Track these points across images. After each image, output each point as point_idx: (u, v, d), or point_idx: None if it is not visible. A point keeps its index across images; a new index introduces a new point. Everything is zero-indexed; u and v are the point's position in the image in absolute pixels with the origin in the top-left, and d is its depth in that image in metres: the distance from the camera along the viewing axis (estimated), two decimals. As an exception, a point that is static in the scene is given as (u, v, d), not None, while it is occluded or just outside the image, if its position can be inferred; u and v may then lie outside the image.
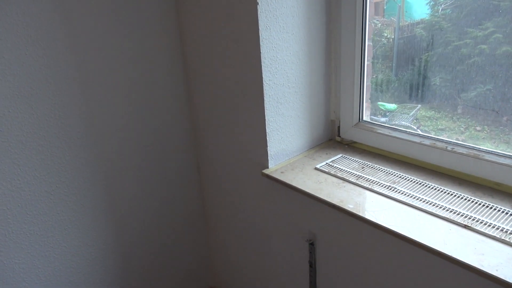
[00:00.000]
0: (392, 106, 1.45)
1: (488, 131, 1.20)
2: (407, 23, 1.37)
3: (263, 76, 1.25)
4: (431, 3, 1.29)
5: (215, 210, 1.80)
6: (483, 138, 1.21)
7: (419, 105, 1.38)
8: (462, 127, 1.27)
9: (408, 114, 1.42)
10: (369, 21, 1.32)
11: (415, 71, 1.35)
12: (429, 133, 1.32)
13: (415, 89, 1.36)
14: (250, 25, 1.20)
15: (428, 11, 1.31)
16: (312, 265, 1.35)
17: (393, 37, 1.42)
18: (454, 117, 1.29)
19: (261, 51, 1.22)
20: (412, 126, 1.39)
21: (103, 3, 1.33)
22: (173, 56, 1.56)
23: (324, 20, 1.37)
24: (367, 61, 1.37)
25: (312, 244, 1.32)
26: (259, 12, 1.18)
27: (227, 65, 1.37)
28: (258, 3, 1.17)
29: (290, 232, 1.42)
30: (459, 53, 1.21)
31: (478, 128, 1.23)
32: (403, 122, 1.41)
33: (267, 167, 1.36)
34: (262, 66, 1.23)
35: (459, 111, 1.27)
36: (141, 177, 1.60)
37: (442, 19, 1.26)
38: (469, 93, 1.22)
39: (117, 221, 1.56)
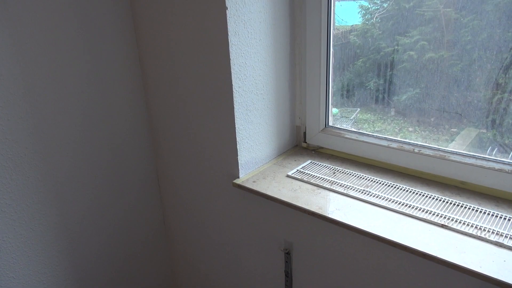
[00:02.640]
0: (334, 110, 1.48)
1: (419, 131, 1.28)
2: (340, 30, 1.41)
3: (233, 83, 1.21)
4: (362, 12, 1.35)
5: (179, 224, 1.71)
6: (416, 138, 1.28)
7: (358, 109, 1.43)
8: (396, 128, 1.34)
9: (349, 117, 1.46)
10: (333, 26, 1.34)
11: (351, 76, 1.40)
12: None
13: (352, 94, 1.42)
14: (219, 30, 1.16)
15: (360, 20, 1.36)
16: (288, 275, 1.32)
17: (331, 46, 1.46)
18: (388, 119, 1.36)
19: (230, 57, 1.18)
20: (353, 129, 1.43)
21: (55, 18, 1.21)
22: (129, 62, 1.46)
23: (289, 26, 1.37)
24: (331, 66, 1.38)
25: (288, 254, 1.30)
26: (228, 17, 1.14)
27: (193, 73, 1.31)
28: (227, 8, 1.13)
29: (265, 242, 1.38)
30: (390, 59, 1.28)
31: (410, 129, 1.30)
32: (344, 126, 1.44)
33: (238, 177, 1.31)
34: (232, 73, 1.19)
35: (392, 113, 1.34)
36: (96, 194, 1.47)
37: (373, 26, 1.32)
38: (401, 96, 1.29)
39: (70, 243, 1.42)
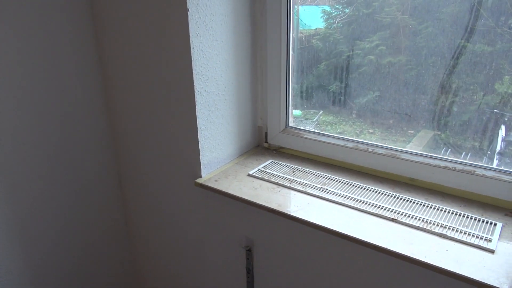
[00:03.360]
0: (297, 112, 1.53)
1: (379, 132, 1.35)
2: (303, 34, 1.47)
3: (195, 84, 1.22)
4: (324, 17, 1.41)
5: (142, 223, 1.70)
6: (375, 139, 1.35)
7: (321, 111, 1.49)
8: (357, 130, 1.40)
9: (312, 119, 1.52)
10: (293, 30, 1.39)
11: (314, 79, 1.45)
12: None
13: (315, 96, 1.47)
14: (181, 32, 1.17)
15: (323, 24, 1.42)
16: (249, 271, 1.36)
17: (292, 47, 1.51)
18: (350, 121, 1.42)
19: (192, 58, 1.19)
20: (316, 130, 1.48)
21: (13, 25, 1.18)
22: (89, 63, 1.44)
23: (250, 29, 1.40)
24: (292, 69, 1.43)
25: (249, 250, 1.33)
26: (189, 19, 1.15)
27: (155, 74, 1.31)
28: (188, 10, 1.14)
29: (226, 240, 1.40)
30: (351, 62, 1.33)
31: (370, 130, 1.37)
32: (308, 127, 1.49)
33: (200, 176, 1.33)
34: (194, 74, 1.21)
35: (354, 115, 1.40)
36: (54, 194, 1.44)
37: (335, 31, 1.37)
38: (361, 99, 1.35)
39: (24, 245, 1.38)
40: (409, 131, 1.28)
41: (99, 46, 1.45)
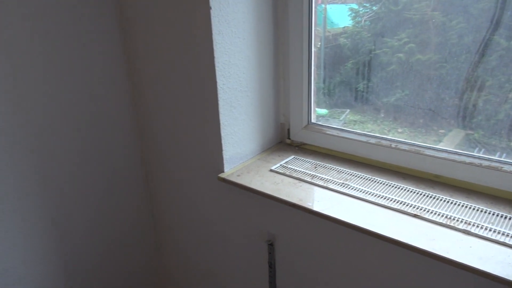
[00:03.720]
0: (323, 111, 1.53)
1: (408, 132, 1.32)
2: (331, 32, 1.46)
3: (217, 81, 1.25)
4: (352, 15, 1.40)
5: (167, 217, 1.75)
6: (405, 139, 1.32)
7: (348, 110, 1.48)
8: (386, 129, 1.38)
9: (339, 118, 1.51)
10: (315, 27, 1.39)
11: (341, 78, 1.44)
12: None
13: (342, 95, 1.46)
14: (204, 30, 1.20)
15: (350, 22, 1.41)
16: (271, 266, 1.37)
17: (319, 46, 1.50)
18: (378, 121, 1.40)
19: (215, 55, 1.22)
20: (338, 127, 1.47)
21: (44, 23, 1.24)
22: (116, 61, 1.49)
23: (272, 27, 1.41)
24: (314, 65, 1.43)
25: (271, 245, 1.34)
26: (212, 17, 1.18)
27: (179, 70, 1.35)
28: (211, 8, 1.17)
29: (249, 234, 1.43)
30: (379, 60, 1.31)
31: (399, 130, 1.35)
32: (334, 127, 1.49)
33: (223, 171, 1.36)
34: (216, 71, 1.24)
35: (382, 114, 1.38)
36: (84, 188, 1.50)
37: (363, 29, 1.36)
38: (390, 98, 1.32)
39: (56, 236, 1.45)
40: (440, 131, 1.25)
41: (126, 43, 1.50)
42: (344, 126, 1.45)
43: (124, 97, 1.55)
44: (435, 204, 1.09)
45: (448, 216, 1.03)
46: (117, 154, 1.58)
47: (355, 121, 1.45)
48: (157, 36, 1.37)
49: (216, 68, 1.23)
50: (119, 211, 1.65)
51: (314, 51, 1.42)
